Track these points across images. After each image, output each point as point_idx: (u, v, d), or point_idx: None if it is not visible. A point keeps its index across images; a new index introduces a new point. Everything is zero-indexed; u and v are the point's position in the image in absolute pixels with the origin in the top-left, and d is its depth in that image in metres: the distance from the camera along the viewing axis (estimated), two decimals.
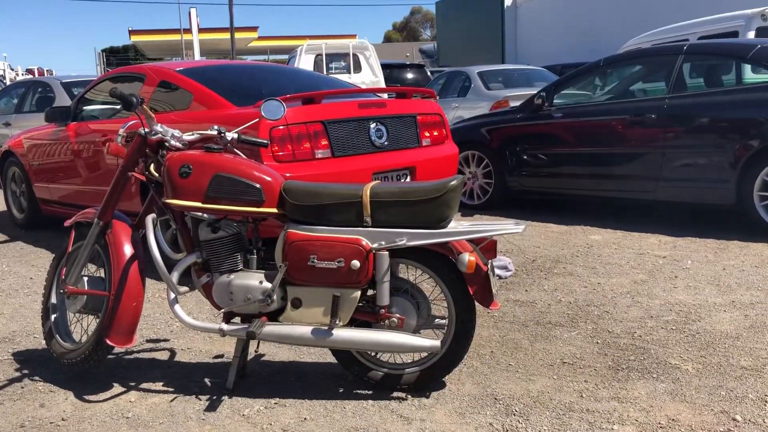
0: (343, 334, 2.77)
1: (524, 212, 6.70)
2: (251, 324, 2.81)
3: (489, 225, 2.75)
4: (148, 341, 3.64)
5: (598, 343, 3.38)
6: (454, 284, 2.80)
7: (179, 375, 3.17)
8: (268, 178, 2.85)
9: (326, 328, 2.77)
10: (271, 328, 2.82)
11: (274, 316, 2.88)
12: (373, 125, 4.82)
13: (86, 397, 2.96)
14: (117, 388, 3.04)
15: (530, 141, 6.60)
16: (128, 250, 2.99)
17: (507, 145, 6.75)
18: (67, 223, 3.25)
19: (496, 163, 6.83)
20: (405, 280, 2.93)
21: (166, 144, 2.97)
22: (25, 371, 3.27)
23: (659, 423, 2.57)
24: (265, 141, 3.20)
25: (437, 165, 5.18)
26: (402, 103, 5.14)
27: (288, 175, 4.20)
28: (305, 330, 2.79)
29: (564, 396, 2.82)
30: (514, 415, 2.67)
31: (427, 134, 5.24)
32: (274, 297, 2.82)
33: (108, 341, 2.92)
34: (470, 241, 2.80)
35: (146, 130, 2.98)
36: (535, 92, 6.85)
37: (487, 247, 2.82)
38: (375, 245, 2.72)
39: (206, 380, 3.06)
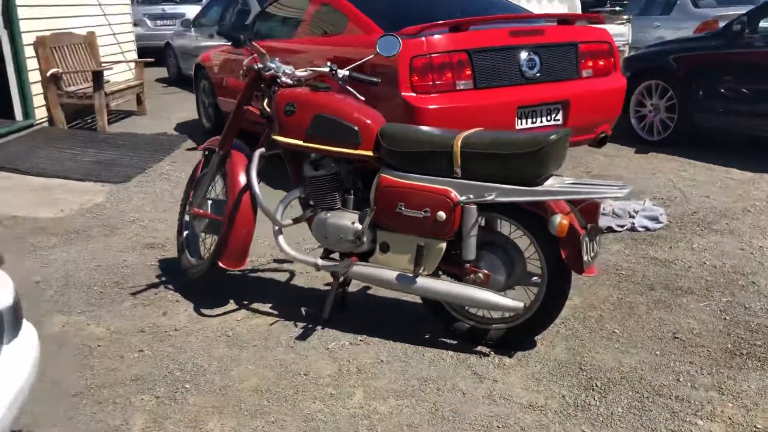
0: (426, 283, 2.74)
1: (707, 153, 6.02)
2: (340, 263, 2.87)
3: (589, 186, 2.52)
4: (274, 260, 3.87)
5: (726, 319, 3.03)
6: (548, 245, 2.63)
7: (289, 298, 3.35)
8: (367, 121, 2.83)
9: (411, 275, 2.76)
10: (360, 268, 2.86)
11: (365, 257, 2.91)
12: (524, 55, 4.53)
13: (202, 311, 3.25)
14: (230, 305, 3.30)
15: (725, 73, 5.83)
16: (242, 179, 3.15)
17: (696, 76, 6.02)
18: (199, 148, 3.49)
19: (682, 95, 6.14)
20: (500, 234, 2.81)
21: (278, 80, 3.04)
22: (163, 278, 3.65)
23: (755, 426, 2.28)
24: (376, 80, 3.16)
25: (597, 99, 4.78)
26: (563, 30, 4.76)
27: (434, 107, 4.11)
28: (391, 274, 2.80)
29: (658, 377, 2.59)
30: (592, 389, 2.52)
31: (590, 65, 4.83)
32: (364, 239, 2.85)
33: (220, 263, 3.15)
34: (570, 201, 2.59)
35: (260, 65, 3.06)
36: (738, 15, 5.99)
37: (587, 209, 2.60)
38: (463, 198, 2.62)
39: (302, 309, 3.21)
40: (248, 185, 3.14)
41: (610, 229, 4.20)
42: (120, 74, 9.29)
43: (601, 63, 4.90)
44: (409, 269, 2.77)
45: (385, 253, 2.83)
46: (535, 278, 2.78)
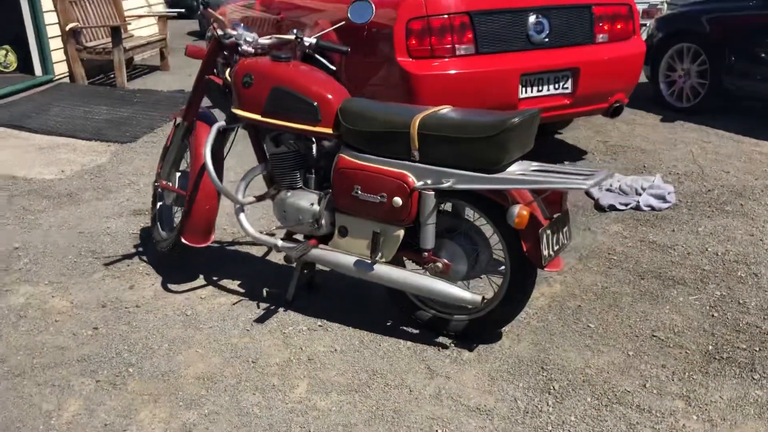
0: (384, 270, 2.59)
1: (737, 123, 5.64)
2: (296, 246, 2.74)
3: (552, 175, 2.31)
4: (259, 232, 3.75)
5: (713, 316, 2.81)
6: (510, 236, 2.44)
7: (262, 275, 3.25)
8: (328, 95, 2.65)
9: (369, 261, 2.61)
10: (318, 252, 2.73)
11: (325, 240, 2.77)
12: (532, 18, 4.25)
13: (169, 286, 3.17)
14: (198, 281, 3.21)
15: (761, 36, 5.41)
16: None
17: (730, 39, 5.61)
18: (171, 117, 3.37)
19: (714, 60, 5.74)
20: (465, 220, 2.63)
21: (239, 49, 2.87)
22: (140, 249, 3.58)
23: None
24: (346, 49, 2.96)
25: (611, 66, 4.48)
26: None
27: (431, 73, 3.91)
28: (349, 260, 2.66)
29: (623, 381, 2.40)
30: (549, 393, 2.35)
31: (606, 28, 4.51)
32: (322, 222, 2.71)
33: (182, 239, 3.05)
34: (533, 190, 2.39)
35: (220, 32, 2.89)
36: None
37: (552, 199, 2.40)
38: (420, 184, 2.44)
39: (264, 290, 3.10)
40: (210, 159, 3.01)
41: (612, 208, 3.98)
42: (146, 28, 9.22)
43: (618, 27, 4.58)
44: (367, 255, 2.62)
45: (344, 238, 2.68)
46: (501, 268, 2.60)
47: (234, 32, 2.87)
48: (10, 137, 5.65)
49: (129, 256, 3.50)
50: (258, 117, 2.76)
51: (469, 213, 2.65)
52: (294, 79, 2.69)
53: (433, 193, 2.43)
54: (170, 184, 3.22)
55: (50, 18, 7.33)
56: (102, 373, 2.52)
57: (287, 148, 2.80)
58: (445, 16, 4.06)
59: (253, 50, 2.87)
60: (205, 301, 3.03)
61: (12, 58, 7.47)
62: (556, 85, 4.36)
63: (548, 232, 2.35)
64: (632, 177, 4.30)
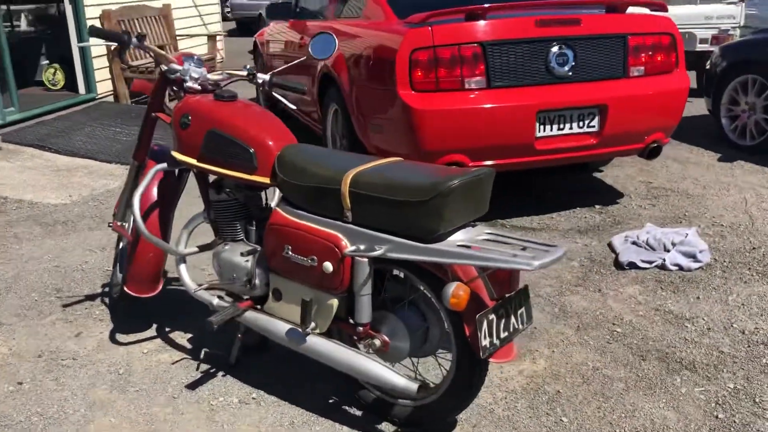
0: (317, 343, 2.25)
1: None
2: (220, 311, 2.43)
3: (501, 248, 1.91)
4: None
5: (718, 417, 2.32)
6: (454, 314, 2.06)
7: (222, 327, 2.95)
8: (267, 141, 2.34)
9: (301, 331, 2.28)
10: (251, 315, 2.42)
11: (261, 302, 2.46)
12: (554, 49, 3.83)
13: (116, 336, 2.93)
14: (149, 333, 2.96)
15: None
16: (152, 195, 2.78)
17: None
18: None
19: None
20: (415, 289, 2.26)
21: (185, 85, 2.62)
22: (106, 289, 3.38)
23: None
24: (302, 87, 2.65)
25: (645, 103, 4.00)
26: (608, 20, 3.99)
27: (435, 108, 3.58)
28: (281, 327, 2.33)
29: None
30: None
31: (643, 60, 4.03)
32: (256, 282, 2.40)
33: (125, 288, 2.81)
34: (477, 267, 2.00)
35: (164, 67, 2.65)
36: None
37: (500, 278, 2.01)
38: (351, 249, 2.09)
39: (203, 350, 2.81)
40: (157, 202, 2.76)
41: (632, 265, 3.49)
42: (198, 47, 9.22)
43: (658, 59, 4.09)
44: (299, 324, 2.29)
45: (278, 302, 2.36)
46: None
47: (179, 67, 2.62)
48: (33, 157, 5.64)
49: (91, 297, 3.29)
50: (194, 162, 2.49)
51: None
52: (231, 121, 2.40)
53: (366, 260, 2.08)
54: (125, 226, 2.99)
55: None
56: None
57: (227, 196, 2.51)
58: (454, 46, 3.70)
59: (199, 87, 2.60)
60: (145, 357, 2.77)
61: (60, 76, 7.56)
62: (580, 123, 3.92)
63: (491, 316, 1.95)
64: (663, 230, 3.79)
